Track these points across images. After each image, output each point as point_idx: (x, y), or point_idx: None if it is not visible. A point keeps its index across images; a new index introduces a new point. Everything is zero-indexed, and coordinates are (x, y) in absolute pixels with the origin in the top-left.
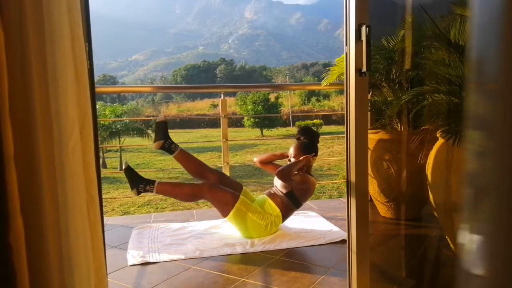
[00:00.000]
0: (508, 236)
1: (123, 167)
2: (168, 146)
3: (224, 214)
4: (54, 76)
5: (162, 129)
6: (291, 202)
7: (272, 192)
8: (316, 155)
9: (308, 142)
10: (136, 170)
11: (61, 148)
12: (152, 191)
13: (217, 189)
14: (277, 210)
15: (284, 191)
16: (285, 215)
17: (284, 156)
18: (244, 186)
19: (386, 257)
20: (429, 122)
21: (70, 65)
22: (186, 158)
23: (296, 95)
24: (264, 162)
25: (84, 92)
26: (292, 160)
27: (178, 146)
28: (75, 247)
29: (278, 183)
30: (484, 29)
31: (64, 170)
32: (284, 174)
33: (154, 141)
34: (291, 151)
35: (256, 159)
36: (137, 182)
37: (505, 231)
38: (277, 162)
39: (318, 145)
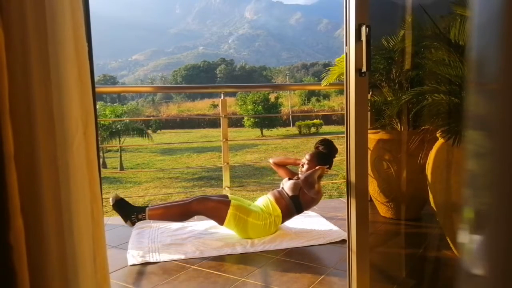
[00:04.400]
0: (508, 236)
1: (112, 203)
2: (136, 220)
3: (220, 222)
4: (57, 76)
5: (120, 211)
6: (294, 207)
7: (277, 193)
8: (330, 168)
9: (326, 154)
10: (136, 170)
11: (65, 148)
12: (145, 219)
13: (206, 200)
14: (278, 211)
15: (291, 194)
16: (285, 217)
17: (296, 163)
18: (232, 200)
19: (386, 257)
20: (429, 122)
21: (73, 65)
22: (162, 210)
23: (296, 95)
24: (278, 164)
25: (87, 92)
26: (306, 167)
27: (144, 209)
28: (80, 246)
29: (286, 186)
30: (484, 29)
31: (68, 170)
32: (309, 181)
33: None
34: (307, 157)
35: (271, 160)
36: (129, 213)
37: (505, 231)
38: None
39: (334, 160)
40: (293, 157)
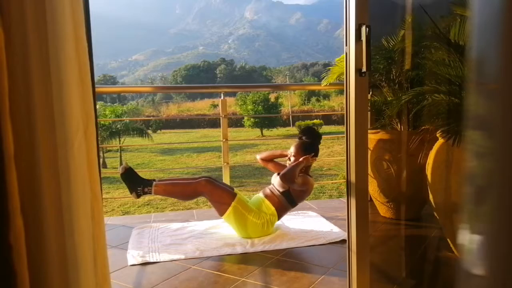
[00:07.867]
0: (508, 236)
1: (120, 172)
2: (142, 193)
3: (221, 212)
4: (58, 76)
5: (127, 181)
6: (287, 202)
7: (268, 191)
8: (316, 156)
9: (309, 142)
10: (136, 170)
11: (66, 148)
12: (151, 193)
13: (215, 185)
14: (272, 209)
15: (281, 190)
16: (280, 213)
17: (283, 155)
18: (236, 193)
19: (386, 257)
20: (429, 122)
21: (74, 65)
22: (169, 186)
23: (296, 95)
24: (265, 160)
25: (87, 92)
26: (292, 159)
27: (151, 183)
28: (80, 246)
29: (275, 182)
30: (484, 29)
31: (69, 170)
32: (288, 178)
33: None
34: (292, 150)
35: (258, 156)
36: (136, 185)
37: (505, 231)
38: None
39: (319, 146)
40: (279, 150)
